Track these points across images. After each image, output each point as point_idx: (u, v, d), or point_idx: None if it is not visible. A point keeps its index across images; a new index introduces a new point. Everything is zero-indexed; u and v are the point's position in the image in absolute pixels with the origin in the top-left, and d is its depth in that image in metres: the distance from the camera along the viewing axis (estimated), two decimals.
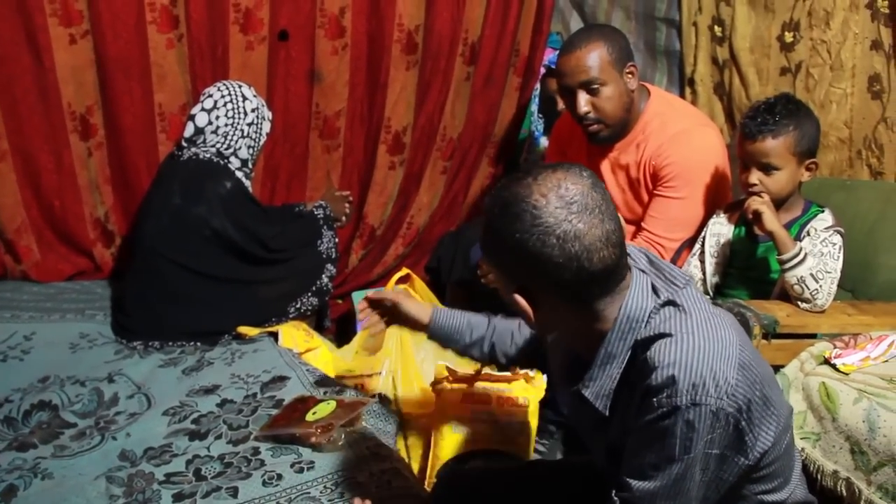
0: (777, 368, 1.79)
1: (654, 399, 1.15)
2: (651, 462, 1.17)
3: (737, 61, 2.83)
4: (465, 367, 2.12)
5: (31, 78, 2.69)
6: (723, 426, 1.16)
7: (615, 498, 1.23)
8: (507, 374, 2.13)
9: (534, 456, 2.20)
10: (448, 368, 2.10)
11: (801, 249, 1.93)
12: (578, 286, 1.16)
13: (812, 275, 1.92)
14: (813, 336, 1.91)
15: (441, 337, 1.72)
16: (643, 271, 1.26)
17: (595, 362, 1.24)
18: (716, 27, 2.90)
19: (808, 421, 1.70)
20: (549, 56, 2.92)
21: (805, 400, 1.72)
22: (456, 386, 2.11)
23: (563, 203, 1.13)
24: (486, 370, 2.08)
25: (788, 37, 2.64)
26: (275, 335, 2.47)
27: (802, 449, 1.67)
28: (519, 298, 1.21)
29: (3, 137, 2.72)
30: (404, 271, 2.47)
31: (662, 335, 1.18)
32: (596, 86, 2.21)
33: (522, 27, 3.28)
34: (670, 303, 1.22)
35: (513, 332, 1.69)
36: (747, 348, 1.24)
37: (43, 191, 2.83)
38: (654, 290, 1.24)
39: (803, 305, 1.95)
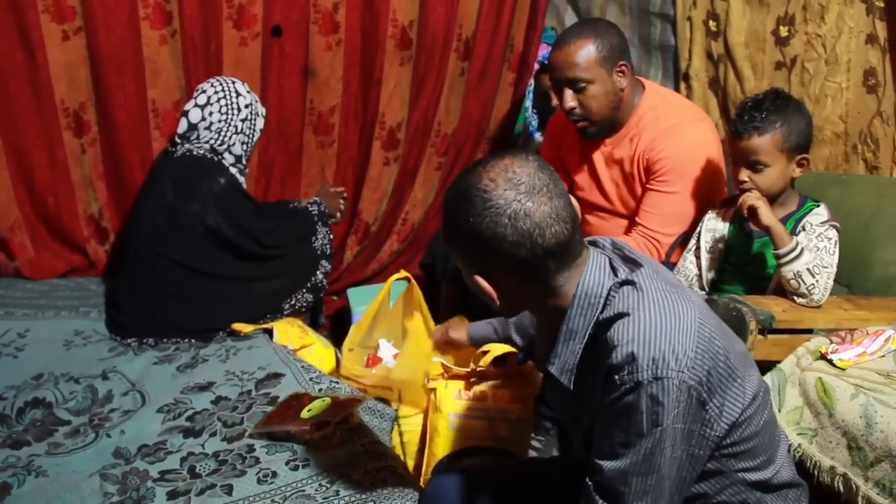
0: (773, 364, 1.79)
1: (616, 377, 1.18)
2: (620, 440, 1.19)
3: (731, 56, 2.82)
4: (461, 364, 2.12)
5: (23, 75, 2.67)
6: (685, 399, 1.18)
7: (588, 483, 1.24)
8: (502, 370, 2.12)
9: (530, 453, 2.19)
10: (443, 365, 2.10)
11: (797, 244, 1.93)
12: (535, 262, 1.21)
13: (808, 270, 1.92)
14: (809, 331, 1.91)
15: (479, 343, 1.94)
16: (602, 252, 1.31)
17: (558, 339, 1.29)
18: (710, 22, 2.89)
19: (804, 417, 1.70)
20: (544, 51, 2.92)
21: (801, 395, 1.71)
22: (451, 383, 2.10)
23: (511, 185, 1.20)
24: (481, 367, 2.08)
25: (783, 31, 2.64)
26: (269, 332, 2.47)
27: (799, 445, 1.67)
28: (481, 281, 1.26)
29: None
30: (402, 274, 2.45)
31: (621, 315, 1.22)
32: (582, 84, 2.22)
33: (517, 22, 3.27)
34: (628, 282, 1.26)
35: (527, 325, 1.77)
36: (709, 322, 1.26)
37: (36, 187, 2.81)
38: (613, 269, 1.28)
39: (800, 301, 1.95)
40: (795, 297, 1.95)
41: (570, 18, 3.55)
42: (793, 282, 1.93)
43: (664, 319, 1.19)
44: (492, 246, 1.20)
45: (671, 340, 1.18)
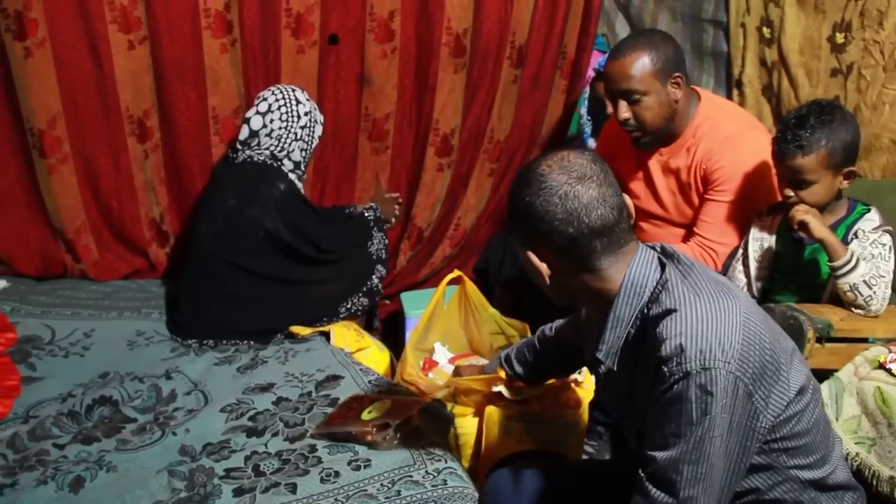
0: (831, 372, 1.79)
1: (665, 368, 1.26)
2: (671, 430, 1.26)
3: (786, 62, 2.80)
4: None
5: (91, 83, 2.76)
6: (732, 389, 1.24)
7: (641, 475, 1.31)
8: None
9: (583, 458, 2.21)
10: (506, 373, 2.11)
11: (852, 255, 1.91)
12: (581, 240, 1.32)
13: (865, 281, 1.91)
14: (866, 340, 1.90)
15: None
16: (652, 249, 1.40)
17: (606, 326, 1.38)
18: (764, 28, 2.87)
19: (862, 426, 1.70)
20: (600, 59, 2.93)
21: (860, 404, 1.71)
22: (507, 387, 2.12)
23: (564, 171, 1.33)
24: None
25: (840, 38, 2.61)
26: (326, 335, 2.51)
27: (857, 454, 1.66)
28: (532, 257, 1.38)
29: (65, 141, 2.79)
30: (456, 273, 2.48)
31: (669, 311, 1.29)
32: (637, 96, 2.23)
33: (569, 30, 3.28)
34: (675, 279, 1.33)
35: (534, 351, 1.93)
36: (754, 317, 1.32)
37: (102, 192, 2.91)
38: (661, 265, 1.37)
39: (857, 311, 1.94)
40: (853, 308, 1.94)
41: (620, 25, 3.55)
42: (849, 294, 1.92)
43: (711, 314, 1.27)
44: (543, 223, 1.32)
45: (718, 333, 1.25)
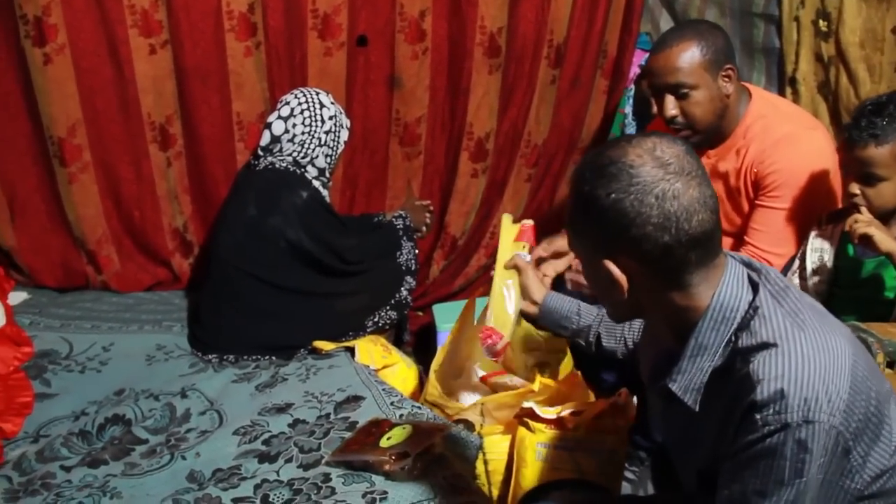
0: None
1: (759, 416, 1.05)
2: (755, 488, 1.07)
3: (844, 57, 2.63)
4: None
5: (112, 89, 2.70)
6: (832, 446, 1.05)
7: None
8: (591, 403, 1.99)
9: (623, 486, 2.05)
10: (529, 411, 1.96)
11: None
12: (677, 250, 1.11)
13: None
14: None
15: (550, 321, 1.71)
16: (738, 262, 1.19)
17: (684, 354, 1.17)
18: (820, 21, 2.70)
19: None
20: (645, 56, 2.77)
21: None
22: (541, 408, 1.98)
23: (659, 164, 1.11)
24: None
25: None
26: (351, 350, 2.39)
27: None
28: (611, 266, 1.16)
29: (85, 149, 2.73)
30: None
31: (766, 345, 1.08)
32: (685, 90, 2.06)
33: (610, 27, 3.13)
34: (772, 304, 1.12)
35: (623, 327, 1.64)
36: (861, 359, 1.13)
37: (123, 201, 2.84)
38: (752, 284, 1.15)
39: None
40: None
41: (665, 22, 3.40)
42: None
43: (818, 355, 1.07)
44: (633, 226, 1.10)
45: (825, 380, 1.05)
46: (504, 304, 1.71)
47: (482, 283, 3.19)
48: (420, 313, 3.16)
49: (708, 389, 1.16)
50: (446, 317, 2.82)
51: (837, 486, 1.10)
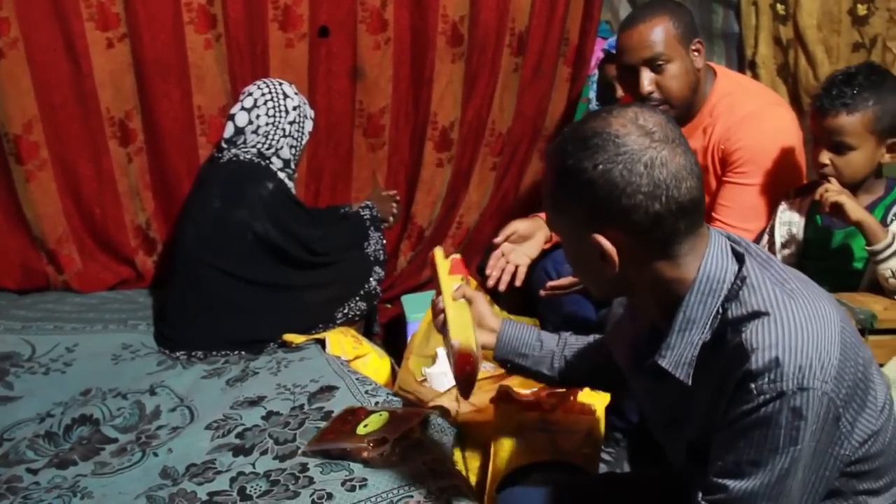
0: None
1: (754, 385, 1.05)
2: (750, 458, 1.06)
3: (803, 40, 2.67)
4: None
5: (68, 84, 2.63)
6: (825, 413, 1.05)
7: (702, 502, 1.12)
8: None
9: (601, 467, 2.05)
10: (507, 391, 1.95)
11: (894, 238, 1.75)
12: (667, 219, 1.09)
13: None
14: None
15: (509, 349, 1.59)
16: (720, 234, 1.18)
17: (672, 328, 1.15)
18: (778, 5, 2.75)
19: None
20: (610, 41, 2.78)
21: None
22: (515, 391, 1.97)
23: (643, 132, 1.09)
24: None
25: (861, 9, 2.49)
26: (322, 342, 2.36)
27: None
28: (602, 240, 1.12)
29: (42, 146, 2.66)
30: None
31: (757, 314, 1.08)
32: (661, 62, 2.05)
33: (572, 14, 3.13)
34: (760, 273, 1.12)
35: (587, 347, 1.58)
36: (847, 325, 1.13)
37: (83, 199, 2.77)
38: (735, 255, 1.15)
39: None
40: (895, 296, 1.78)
41: (624, 10, 3.41)
42: (892, 280, 1.75)
43: (811, 322, 1.06)
44: (623, 196, 1.08)
45: (818, 347, 1.05)
46: (469, 333, 1.49)
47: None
48: (389, 305, 3.13)
49: (698, 362, 1.15)
50: (416, 307, 2.81)
51: (827, 453, 1.10)
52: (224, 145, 2.48)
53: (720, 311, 1.13)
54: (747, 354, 1.06)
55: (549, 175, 1.18)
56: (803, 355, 1.04)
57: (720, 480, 1.09)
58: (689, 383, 1.15)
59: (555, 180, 1.16)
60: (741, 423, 1.07)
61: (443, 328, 1.52)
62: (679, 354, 1.16)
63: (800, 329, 1.05)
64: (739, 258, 1.15)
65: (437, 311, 1.55)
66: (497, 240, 2.16)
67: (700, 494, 1.13)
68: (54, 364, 2.36)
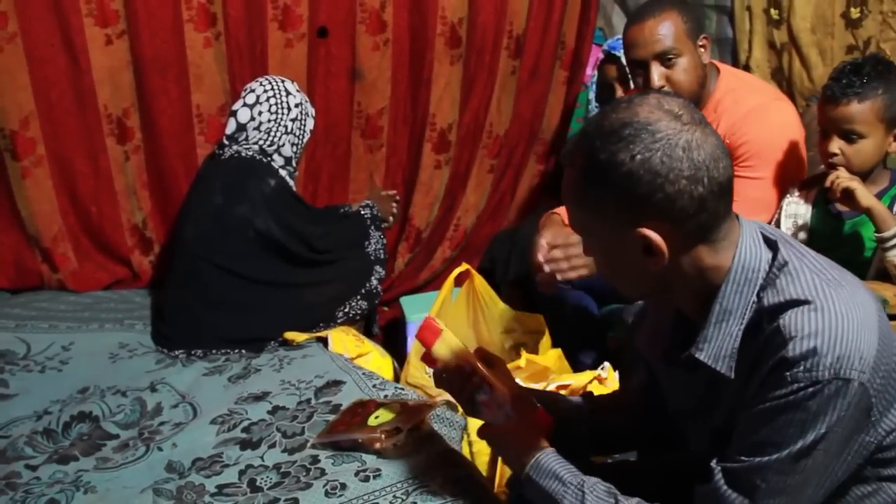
0: None
1: (789, 373, 1.03)
2: (772, 439, 1.06)
3: (797, 43, 2.71)
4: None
5: (66, 81, 2.60)
6: (856, 402, 1.04)
7: (716, 467, 1.12)
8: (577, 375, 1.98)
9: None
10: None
11: None
12: (711, 201, 1.06)
13: None
14: None
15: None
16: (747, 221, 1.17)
17: (709, 321, 1.13)
18: (772, 10, 2.79)
19: None
20: (610, 41, 2.80)
21: None
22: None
23: (672, 116, 1.07)
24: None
25: (854, 12, 2.53)
26: (324, 341, 2.34)
27: None
28: (651, 234, 1.08)
29: (39, 142, 2.62)
30: (464, 267, 2.31)
31: (797, 302, 1.06)
32: (671, 56, 2.06)
33: (568, 18, 3.16)
34: (797, 261, 1.10)
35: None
36: (884, 316, 1.11)
37: (79, 197, 2.73)
38: (767, 241, 1.13)
39: None
40: None
41: (617, 18, 3.45)
42: None
43: (852, 311, 1.05)
44: (667, 182, 1.04)
45: (858, 337, 1.03)
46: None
47: (447, 275, 3.17)
48: (386, 308, 3.12)
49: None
50: (415, 308, 2.81)
51: (853, 439, 1.09)
52: (226, 142, 2.46)
53: (755, 300, 1.11)
54: (785, 341, 1.04)
55: (575, 176, 1.12)
56: (843, 345, 1.02)
57: (739, 456, 1.10)
58: (732, 376, 1.13)
59: (585, 179, 1.11)
60: (770, 406, 1.06)
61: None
62: (718, 347, 1.13)
63: (842, 319, 1.04)
64: (771, 245, 1.14)
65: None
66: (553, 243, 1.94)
67: (715, 460, 1.13)
68: (50, 362, 2.32)
